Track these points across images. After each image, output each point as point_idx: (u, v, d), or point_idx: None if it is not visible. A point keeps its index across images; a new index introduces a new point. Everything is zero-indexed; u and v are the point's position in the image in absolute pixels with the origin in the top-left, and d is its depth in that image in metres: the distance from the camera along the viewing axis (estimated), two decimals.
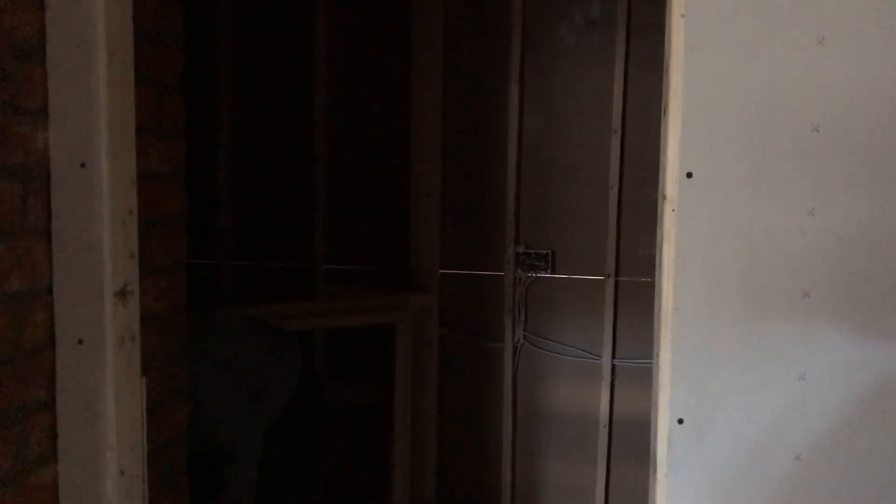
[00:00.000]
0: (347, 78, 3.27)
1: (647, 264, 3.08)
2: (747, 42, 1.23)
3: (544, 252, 3.20)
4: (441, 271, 3.29)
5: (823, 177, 1.22)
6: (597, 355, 3.17)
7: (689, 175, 1.25)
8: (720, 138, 1.24)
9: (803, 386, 1.25)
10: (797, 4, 1.21)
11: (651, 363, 3.02)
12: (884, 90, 1.20)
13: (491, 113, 3.23)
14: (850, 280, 1.22)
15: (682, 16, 1.25)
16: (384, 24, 3.25)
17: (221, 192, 3.28)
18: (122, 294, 1.36)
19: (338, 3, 3.22)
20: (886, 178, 1.21)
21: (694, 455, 1.28)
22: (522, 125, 3.19)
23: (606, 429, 3.17)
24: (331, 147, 3.26)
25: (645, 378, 3.10)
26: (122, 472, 1.37)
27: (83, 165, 1.30)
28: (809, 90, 1.21)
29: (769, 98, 1.23)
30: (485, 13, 3.21)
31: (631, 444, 3.16)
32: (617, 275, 3.12)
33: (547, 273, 3.21)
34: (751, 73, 1.23)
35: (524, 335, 3.26)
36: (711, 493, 1.28)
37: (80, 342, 1.32)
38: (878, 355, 1.23)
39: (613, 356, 3.15)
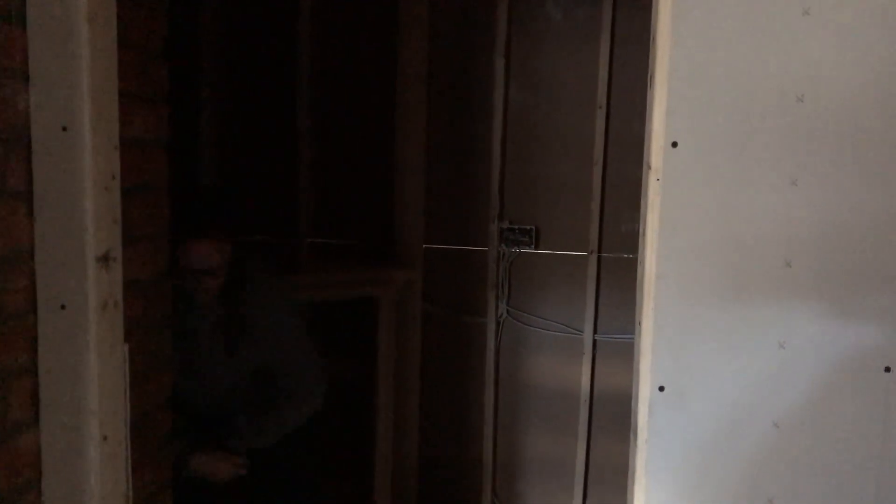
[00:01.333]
0: (331, 51, 3.25)
1: (630, 240, 3.09)
2: (733, 12, 1.23)
3: (528, 227, 3.21)
4: (425, 246, 3.29)
5: (807, 147, 1.23)
6: (579, 330, 3.19)
7: (675, 144, 1.25)
8: (706, 108, 1.25)
9: (783, 354, 1.27)
10: None
11: (632, 338, 3.05)
12: (868, 61, 1.21)
13: (476, 87, 3.22)
14: (831, 250, 1.24)
15: None
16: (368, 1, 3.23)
17: (203, 164, 3.26)
18: (104, 259, 1.35)
19: None
20: (870, 151, 1.23)
21: (674, 422, 1.30)
22: (508, 100, 3.18)
23: (587, 403, 3.19)
24: (314, 121, 3.24)
25: (626, 353, 3.13)
26: (104, 438, 1.37)
27: (65, 129, 1.29)
28: (794, 60, 1.22)
29: (754, 68, 1.23)
30: None
31: (611, 419, 3.19)
32: (600, 250, 3.13)
33: (531, 248, 3.21)
34: (737, 42, 1.23)
35: (507, 310, 3.27)
36: (691, 459, 1.30)
37: (63, 307, 1.32)
38: (856, 325, 1.25)
39: (595, 331, 3.17)
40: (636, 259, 3.03)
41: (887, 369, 1.25)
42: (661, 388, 1.29)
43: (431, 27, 3.18)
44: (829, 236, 1.25)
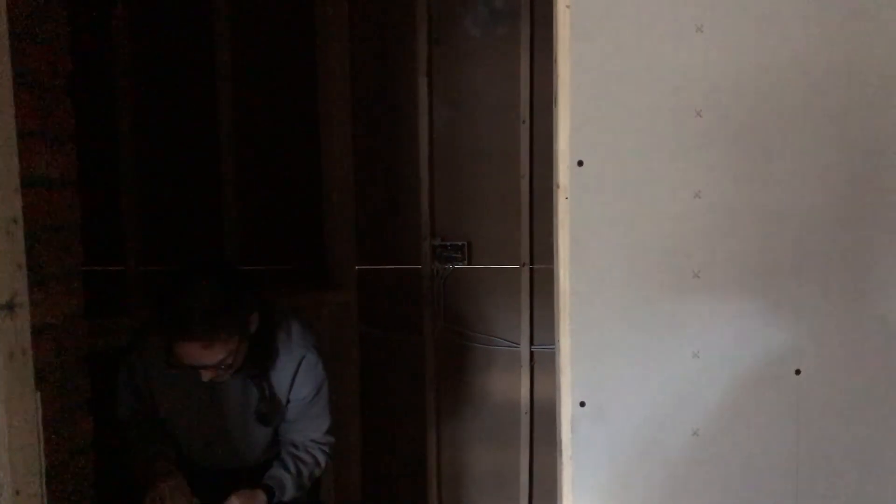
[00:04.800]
0: (252, 74, 3.21)
1: None
2: (631, 31, 1.26)
3: (460, 244, 3.22)
4: (358, 267, 3.27)
5: (708, 160, 1.26)
6: (515, 343, 3.21)
7: (580, 163, 1.27)
8: (609, 126, 1.27)
9: (697, 363, 1.29)
10: None
11: None
12: (761, 73, 1.25)
13: (401, 106, 3.22)
14: (737, 258, 1.27)
15: (567, 7, 1.27)
16: (287, 17, 3.21)
17: (125, 195, 3.18)
18: (9, 307, 1.30)
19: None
20: (766, 158, 1.26)
21: (596, 436, 1.31)
22: (433, 118, 3.19)
23: (528, 415, 3.21)
24: (237, 145, 3.20)
25: None
26: (17, 493, 1.32)
27: None
28: (691, 77, 1.25)
29: (653, 85, 1.26)
30: (391, 6, 3.20)
31: (551, 429, 3.20)
32: (532, 262, 3.16)
33: (464, 264, 3.22)
34: (635, 61, 1.26)
35: (444, 326, 3.27)
36: (615, 471, 1.32)
37: None
38: (765, 330, 1.28)
39: (532, 343, 3.19)
40: None
41: (797, 372, 1.29)
42: (582, 404, 1.30)
43: (352, 48, 3.17)
44: (733, 243, 1.28)
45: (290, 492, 2.13)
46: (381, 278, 3.32)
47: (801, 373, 1.28)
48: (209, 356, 1.86)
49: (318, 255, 3.28)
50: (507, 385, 3.26)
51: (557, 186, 1.29)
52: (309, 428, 2.18)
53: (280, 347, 2.07)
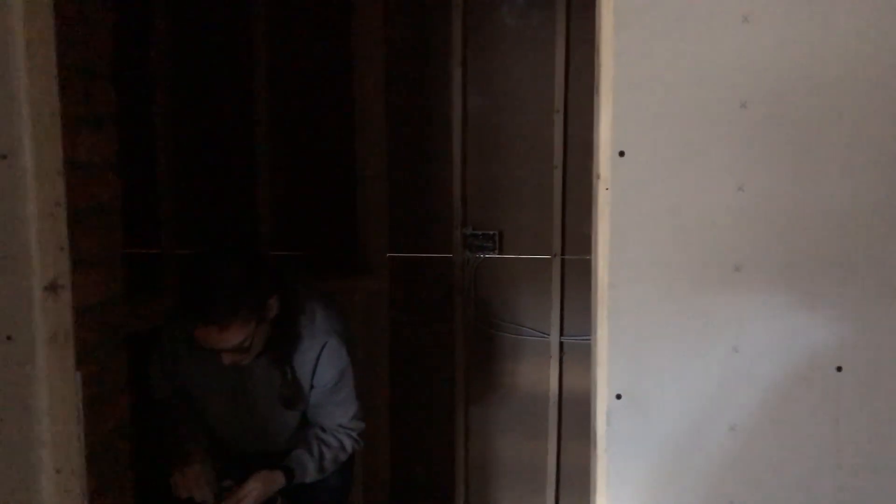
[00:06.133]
0: (288, 60, 3.22)
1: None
2: (675, 20, 1.24)
3: (492, 233, 3.21)
4: (390, 255, 3.27)
5: (752, 152, 1.24)
6: (545, 333, 3.20)
7: (622, 154, 1.26)
8: (651, 116, 1.25)
9: (737, 358, 1.28)
10: None
11: None
12: (808, 65, 1.22)
13: (435, 95, 3.21)
14: (779, 253, 1.25)
15: None
16: (325, 4, 3.21)
17: (162, 180, 3.21)
18: (52, 288, 1.33)
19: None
20: (812, 152, 1.24)
21: (632, 430, 1.30)
22: (466, 107, 3.18)
23: (556, 405, 3.21)
24: (273, 132, 3.22)
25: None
26: (58, 471, 1.34)
27: (5, 157, 1.26)
28: (737, 67, 1.23)
29: (698, 76, 1.24)
30: None
31: (580, 420, 3.20)
32: (563, 253, 3.15)
33: (495, 253, 3.22)
34: (679, 51, 1.24)
35: (474, 315, 3.27)
36: (650, 465, 1.31)
37: (9, 338, 1.29)
38: (806, 326, 1.26)
39: (561, 333, 3.18)
40: None
41: (839, 369, 1.27)
42: (619, 396, 1.30)
43: (388, 36, 3.17)
44: (777, 237, 1.26)
45: (311, 474, 2.15)
46: (413, 266, 3.32)
47: (843, 370, 1.27)
48: (226, 339, 1.87)
49: (350, 242, 3.29)
50: (536, 375, 3.25)
51: (598, 177, 1.28)
52: (336, 413, 2.18)
53: (303, 332, 2.07)
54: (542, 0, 3.09)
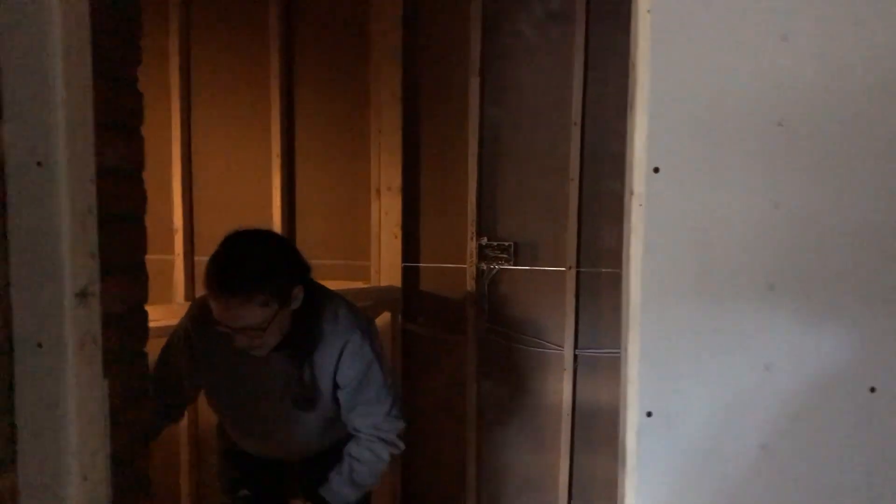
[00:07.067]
0: (304, 67, 3.23)
1: (608, 255, 3.11)
2: (712, 38, 1.24)
3: (507, 244, 3.21)
4: (403, 265, 3.27)
5: (788, 170, 1.24)
6: (559, 345, 3.20)
7: (657, 170, 1.26)
8: (687, 133, 1.25)
9: (769, 376, 1.27)
10: (762, 1, 1.22)
11: (611, 353, 3.05)
12: (845, 84, 1.22)
13: (451, 105, 3.22)
14: (814, 271, 1.25)
15: (648, 11, 1.25)
16: (342, 11, 3.22)
17: (177, 186, 3.23)
18: (82, 295, 1.33)
19: None
20: (848, 170, 1.24)
21: (662, 446, 1.30)
22: (483, 117, 3.19)
23: (569, 417, 3.20)
24: (289, 139, 3.23)
25: (606, 367, 3.14)
26: (84, 478, 1.34)
27: (40, 164, 1.26)
28: (773, 86, 1.23)
29: (734, 93, 1.24)
30: (445, 4, 3.20)
31: (593, 433, 3.19)
32: (578, 266, 3.14)
33: (509, 265, 3.22)
34: (716, 68, 1.24)
35: (487, 327, 3.26)
36: (680, 484, 1.30)
37: (40, 345, 1.29)
38: (840, 346, 1.26)
39: (575, 346, 3.18)
40: (614, 274, 3.05)
41: (872, 389, 1.26)
42: (649, 414, 1.29)
43: (405, 46, 3.18)
44: (811, 256, 1.26)
45: (346, 494, 2.10)
46: (426, 276, 3.32)
47: (876, 391, 1.26)
48: (245, 316, 1.85)
49: (364, 252, 3.29)
50: (549, 387, 3.24)
51: (631, 193, 1.27)
52: (370, 412, 2.10)
53: (325, 330, 2.04)
54: (562, 12, 3.10)
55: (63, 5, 1.24)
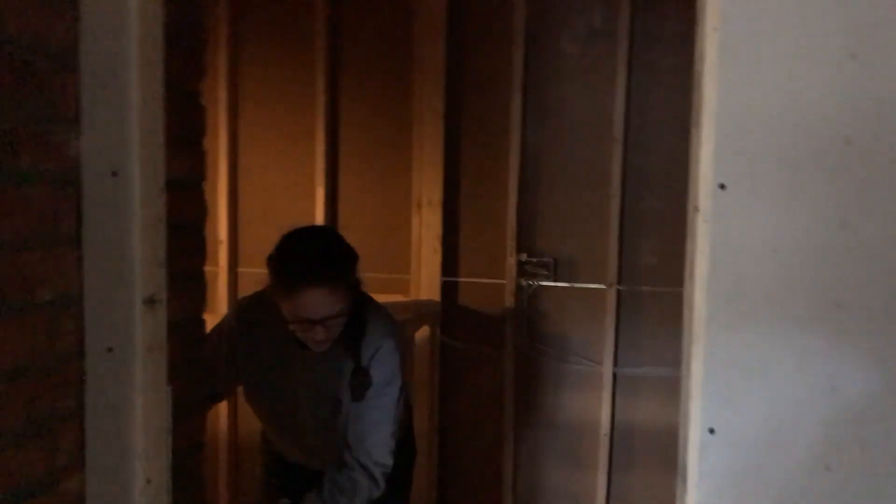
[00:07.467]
0: (349, 82, 3.27)
1: (649, 273, 3.10)
2: (780, 56, 1.24)
3: (546, 260, 3.22)
4: (443, 279, 3.29)
5: (856, 190, 1.23)
6: (598, 363, 3.19)
7: (723, 186, 1.26)
8: (753, 150, 1.25)
9: (833, 396, 1.27)
10: (830, 19, 1.23)
11: (652, 372, 3.03)
12: None
13: (493, 120, 3.24)
14: (882, 291, 1.24)
15: (715, 29, 1.26)
16: (386, 29, 3.26)
17: (223, 199, 3.27)
18: (151, 302, 1.35)
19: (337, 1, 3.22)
20: None
21: (724, 465, 1.29)
22: (525, 133, 3.21)
23: (608, 436, 3.18)
24: (332, 153, 3.26)
25: (646, 387, 3.12)
26: (148, 481, 1.36)
27: (115, 174, 1.29)
28: (842, 104, 1.23)
29: (801, 111, 1.24)
30: (488, 22, 3.23)
31: (631, 452, 3.17)
32: (619, 283, 3.14)
33: (549, 281, 3.22)
34: (783, 86, 1.24)
35: (526, 342, 3.26)
36: (741, 502, 1.29)
37: (110, 350, 1.31)
38: None
39: (615, 364, 3.17)
40: (655, 292, 3.03)
41: None
42: (712, 431, 1.29)
43: (448, 63, 3.21)
44: (879, 276, 1.25)
45: None
46: (465, 291, 3.33)
47: None
48: (331, 304, 1.91)
49: (403, 265, 3.31)
50: (587, 405, 3.23)
51: (696, 210, 1.28)
52: (367, 436, 2.05)
53: (368, 327, 2.07)
54: (604, 30, 3.11)
55: (141, 21, 1.27)
